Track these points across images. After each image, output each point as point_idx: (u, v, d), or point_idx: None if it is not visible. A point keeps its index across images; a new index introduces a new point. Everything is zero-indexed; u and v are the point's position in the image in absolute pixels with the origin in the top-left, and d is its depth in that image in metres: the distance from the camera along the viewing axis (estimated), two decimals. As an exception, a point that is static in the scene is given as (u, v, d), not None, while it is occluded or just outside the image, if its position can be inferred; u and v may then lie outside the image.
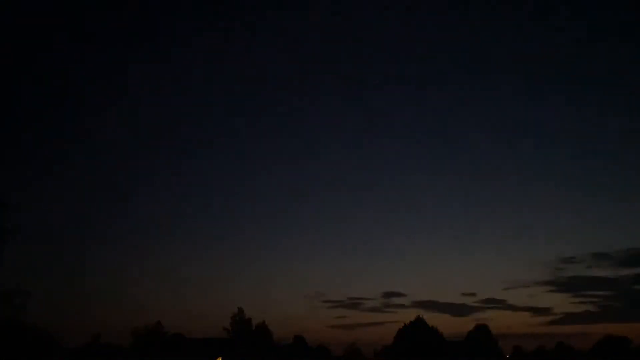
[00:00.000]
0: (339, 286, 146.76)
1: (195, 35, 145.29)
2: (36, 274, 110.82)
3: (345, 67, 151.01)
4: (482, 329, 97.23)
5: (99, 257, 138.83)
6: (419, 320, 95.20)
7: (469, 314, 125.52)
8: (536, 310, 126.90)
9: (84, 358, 78.93)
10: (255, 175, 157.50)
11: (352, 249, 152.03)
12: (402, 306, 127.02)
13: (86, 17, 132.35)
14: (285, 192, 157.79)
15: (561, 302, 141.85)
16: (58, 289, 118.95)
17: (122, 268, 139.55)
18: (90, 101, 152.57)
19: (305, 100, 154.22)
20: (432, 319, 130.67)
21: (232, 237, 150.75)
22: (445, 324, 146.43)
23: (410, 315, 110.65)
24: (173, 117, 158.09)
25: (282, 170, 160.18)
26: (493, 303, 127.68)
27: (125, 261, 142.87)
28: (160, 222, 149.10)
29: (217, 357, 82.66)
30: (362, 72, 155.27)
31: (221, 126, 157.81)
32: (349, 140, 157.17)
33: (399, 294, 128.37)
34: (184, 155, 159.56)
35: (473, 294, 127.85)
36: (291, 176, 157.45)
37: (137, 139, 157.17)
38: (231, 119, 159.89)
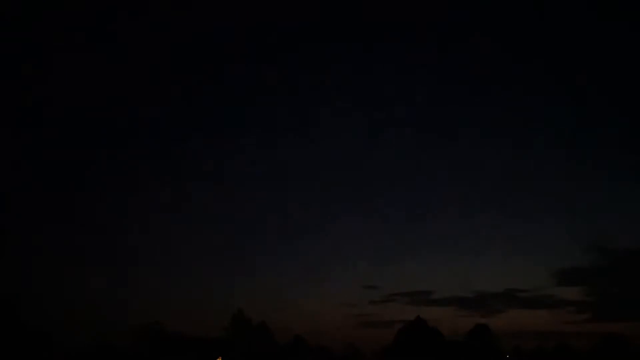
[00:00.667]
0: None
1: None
2: (36, 273, 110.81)
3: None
4: (481, 329, 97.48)
5: (99, 257, 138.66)
6: (418, 320, 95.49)
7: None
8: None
9: (84, 358, 78.97)
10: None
11: (382, 245, 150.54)
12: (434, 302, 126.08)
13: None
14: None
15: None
16: (58, 289, 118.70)
17: (122, 267, 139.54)
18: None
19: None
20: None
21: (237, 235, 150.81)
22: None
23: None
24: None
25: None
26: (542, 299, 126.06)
27: (125, 261, 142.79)
28: (160, 221, 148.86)
29: (217, 357, 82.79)
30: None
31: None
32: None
33: (428, 292, 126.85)
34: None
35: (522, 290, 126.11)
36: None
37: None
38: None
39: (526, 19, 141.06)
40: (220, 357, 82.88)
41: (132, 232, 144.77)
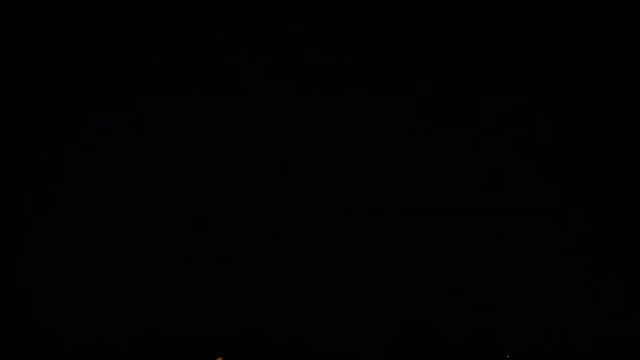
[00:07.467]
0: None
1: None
2: (36, 272, 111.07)
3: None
4: (479, 328, 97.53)
5: (99, 256, 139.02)
6: (419, 320, 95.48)
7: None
8: None
9: (84, 358, 79.17)
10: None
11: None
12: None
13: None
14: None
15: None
16: (58, 288, 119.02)
17: (121, 267, 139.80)
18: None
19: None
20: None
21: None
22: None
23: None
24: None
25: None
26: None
27: (124, 260, 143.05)
28: (159, 219, 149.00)
29: (217, 357, 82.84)
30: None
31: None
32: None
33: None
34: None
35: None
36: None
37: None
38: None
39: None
40: (220, 357, 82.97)
41: (132, 231, 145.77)
